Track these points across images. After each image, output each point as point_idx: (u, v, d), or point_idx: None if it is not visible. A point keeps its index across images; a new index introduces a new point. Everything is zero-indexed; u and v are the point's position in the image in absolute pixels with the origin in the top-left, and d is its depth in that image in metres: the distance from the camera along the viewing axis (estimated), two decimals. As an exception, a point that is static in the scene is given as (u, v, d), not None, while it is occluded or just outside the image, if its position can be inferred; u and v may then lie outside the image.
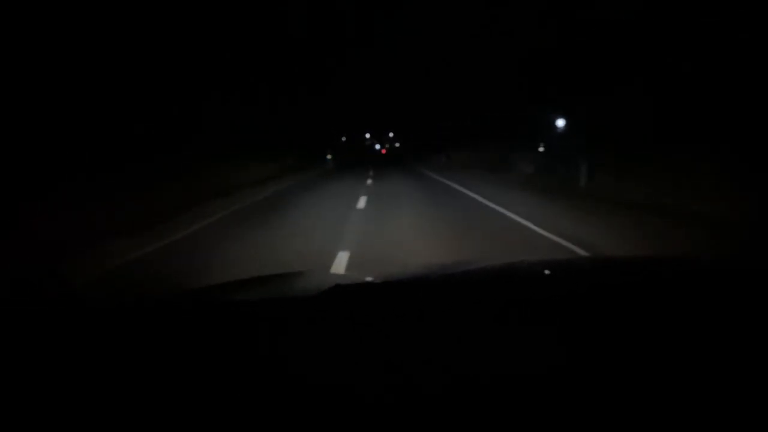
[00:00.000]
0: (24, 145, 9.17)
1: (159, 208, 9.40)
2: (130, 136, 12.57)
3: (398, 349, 0.76)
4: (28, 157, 8.94)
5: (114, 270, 5.47)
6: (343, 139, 68.36)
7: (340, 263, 5.29)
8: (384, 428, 0.59)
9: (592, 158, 13.51)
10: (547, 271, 1.40)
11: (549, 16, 18.54)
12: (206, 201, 11.50)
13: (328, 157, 33.57)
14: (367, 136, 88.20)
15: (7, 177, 7.92)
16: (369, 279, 1.54)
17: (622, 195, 10.63)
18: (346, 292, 1.08)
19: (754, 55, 9.80)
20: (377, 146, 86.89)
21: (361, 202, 11.09)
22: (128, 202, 9.08)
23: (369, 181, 18.19)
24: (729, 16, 10.49)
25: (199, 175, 13.99)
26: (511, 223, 7.91)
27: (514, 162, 19.22)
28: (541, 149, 18.09)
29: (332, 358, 0.74)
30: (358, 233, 7.22)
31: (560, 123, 16.22)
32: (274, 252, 6.00)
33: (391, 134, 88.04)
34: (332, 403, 0.63)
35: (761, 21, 9.75)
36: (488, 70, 24.95)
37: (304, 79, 36.55)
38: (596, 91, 14.62)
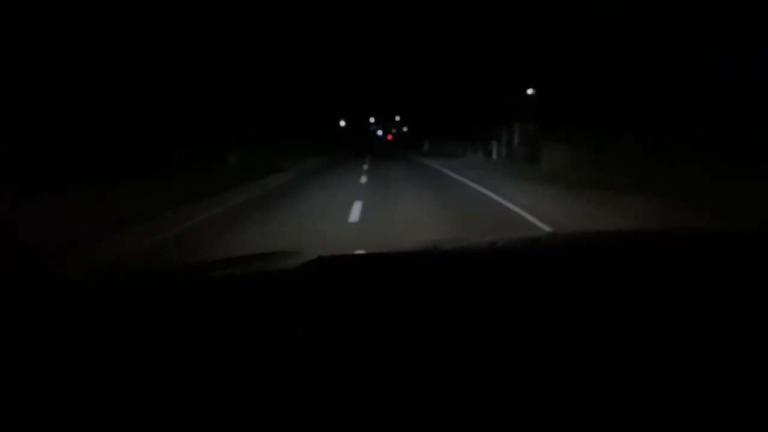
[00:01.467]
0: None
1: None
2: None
3: (381, 325, 0.75)
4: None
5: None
6: (342, 124, 64.02)
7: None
8: (371, 410, 0.57)
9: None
10: (541, 248, 1.41)
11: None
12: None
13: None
14: (372, 120, 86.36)
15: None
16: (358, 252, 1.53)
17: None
18: (327, 265, 1.08)
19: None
20: (380, 132, 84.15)
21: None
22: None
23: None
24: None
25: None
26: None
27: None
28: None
29: (314, 331, 0.73)
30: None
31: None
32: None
33: (397, 118, 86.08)
34: (315, 381, 0.62)
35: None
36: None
37: (295, 62, 34.94)
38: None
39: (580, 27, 17.96)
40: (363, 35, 60.72)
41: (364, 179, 15.55)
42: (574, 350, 0.65)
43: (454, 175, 15.91)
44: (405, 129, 76.70)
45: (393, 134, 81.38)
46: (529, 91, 20.54)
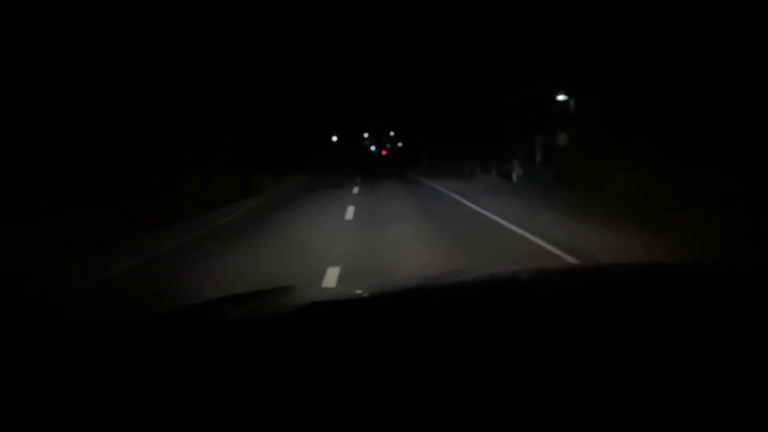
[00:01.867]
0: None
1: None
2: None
3: (375, 367, 0.76)
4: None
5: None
6: (334, 139, 60.37)
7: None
8: None
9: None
10: (535, 281, 1.40)
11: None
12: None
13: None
14: (365, 135, 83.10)
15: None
16: (357, 292, 1.50)
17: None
18: (321, 311, 1.09)
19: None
20: (373, 148, 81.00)
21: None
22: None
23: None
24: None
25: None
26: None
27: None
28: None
29: (310, 376, 0.74)
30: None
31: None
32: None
33: (392, 133, 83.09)
34: (309, 422, 0.63)
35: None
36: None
37: (284, 73, 31.88)
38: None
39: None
40: (357, 42, 57.09)
41: (350, 213, 11.11)
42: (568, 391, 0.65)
43: (476, 208, 11.27)
44: (399, 144, 73.21)
45: (387, 149, 78.27)
46: (561, 97, 16.29)
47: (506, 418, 0.61)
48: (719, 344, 0.75)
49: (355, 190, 17.78)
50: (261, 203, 14.78)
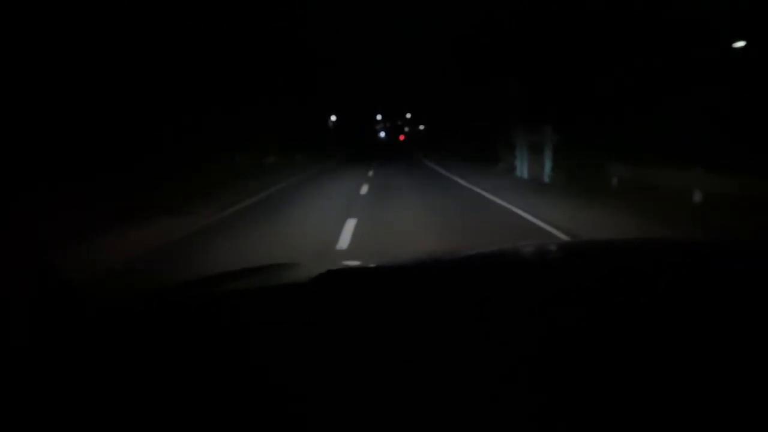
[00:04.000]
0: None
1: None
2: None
3: (393, 341, 0.76)
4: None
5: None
6: (332, 119, 49.86)
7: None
8: (379, 425, 0.60)
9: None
10: (551, 256, 1.42)
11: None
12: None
13: None
14: (378, 118, 77.64)
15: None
16: (369, 264, 1.51)
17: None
18: (337, 278, 1.08)
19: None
20: (383, 134, 74.04)
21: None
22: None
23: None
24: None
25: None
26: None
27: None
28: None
29: (324, 348, 0.74)
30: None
31: None
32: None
33: (408, 115, 78.99)
34: (324, 398, 0.63)
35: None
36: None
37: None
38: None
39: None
40: (367, 24, 54.18)
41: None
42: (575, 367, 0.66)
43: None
44: (421, 127, 67.66)
45: (406, 134, 73.51)
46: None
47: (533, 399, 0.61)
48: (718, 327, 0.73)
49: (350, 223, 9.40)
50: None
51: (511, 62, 19.24)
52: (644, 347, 0.69)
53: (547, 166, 14.18)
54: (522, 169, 16.43)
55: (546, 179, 14.17)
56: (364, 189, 13.76)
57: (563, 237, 6.85)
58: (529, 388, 0.63)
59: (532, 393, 0.62)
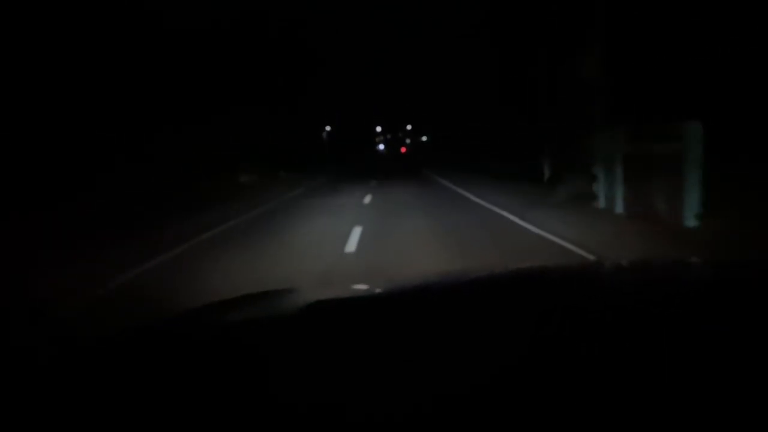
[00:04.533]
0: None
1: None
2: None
3: (381, 370, 0.75)
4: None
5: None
6: (327, 129, 44.81)
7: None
8: None
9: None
10: (551, 278, 1.36)
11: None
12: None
13: None
14: (378, 129, 72.18)
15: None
16: (361, 288, 1.55)
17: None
18: (323, 311, 1.08)
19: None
20: (381, 147, 68.52)
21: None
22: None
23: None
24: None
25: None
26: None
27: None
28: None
29: (311, 379, 0.74)
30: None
31: None
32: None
33: (408, 127, 73.53)
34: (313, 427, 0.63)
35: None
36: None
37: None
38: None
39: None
40: (364, 26, 48.61)
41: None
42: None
43: None
44: (424, 138, 61.63)
45: (407, 146, 67.72)
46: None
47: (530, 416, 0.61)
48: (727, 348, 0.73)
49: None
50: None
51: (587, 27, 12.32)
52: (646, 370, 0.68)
53: (693, 196, 7.48)
54: (613, 199, 9.84)
55: (691, 222, 7.50)
56: (354, 237, 7.91)
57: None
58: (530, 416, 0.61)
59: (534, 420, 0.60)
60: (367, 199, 14.32)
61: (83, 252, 7.11)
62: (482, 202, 12.18)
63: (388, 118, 68.80)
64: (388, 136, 75.30)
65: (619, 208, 9.64)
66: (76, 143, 12.87)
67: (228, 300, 1.27)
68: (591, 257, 6.00)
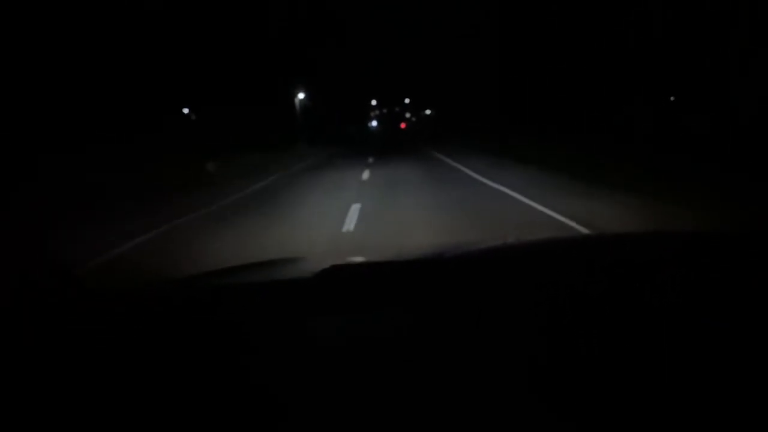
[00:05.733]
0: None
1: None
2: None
3: (395, 339, 0.75)
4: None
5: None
6: (300, 97, 31.56)
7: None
8: (380, 423, 0.59)
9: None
10: (557, 250, 1.35)
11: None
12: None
13: None
14: (374, 103, 62.91)
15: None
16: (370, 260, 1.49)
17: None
18: (343, 273, 1.07)
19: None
20: (374, 123, 59.10)
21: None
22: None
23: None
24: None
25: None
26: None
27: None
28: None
29: (326, 345, 0.74)
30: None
31: None
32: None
33: (407, 101, 64.81)
34: (324, 396, 0.62)
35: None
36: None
37: None
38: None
39: None
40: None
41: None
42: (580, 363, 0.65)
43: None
44: (428, 112, 52.55)
45: (407, 121, 58.64)
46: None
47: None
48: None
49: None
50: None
51: None
52: (648, 345, 0.68)
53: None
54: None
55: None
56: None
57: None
58: (532, 388, 0.62)
59: (535, 392, 0.61)
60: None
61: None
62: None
63: (384, 91, 59.86)
64: (385, 111, 65.95)
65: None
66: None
67: (241, 265, 1.29)
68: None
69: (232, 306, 0.92)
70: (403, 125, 56.59)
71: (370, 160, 17.91)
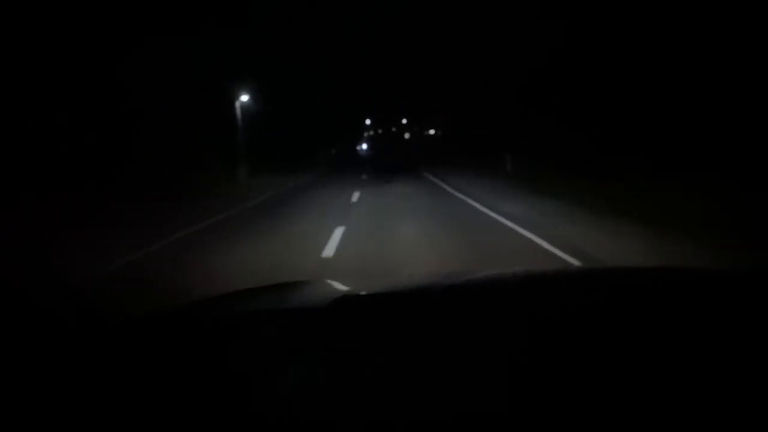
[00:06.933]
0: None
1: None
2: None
3: (414, 363, 0.76)
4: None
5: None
6: (241, 100, 21.30)
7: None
8: None
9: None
10: (554, 281, 1.36)
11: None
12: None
13: None
14: (368, 122, 56.82)
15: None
16: (373, 290, 1.47)
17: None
18: (354, 305, 1.08)
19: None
20: (364, 146, 52.85)
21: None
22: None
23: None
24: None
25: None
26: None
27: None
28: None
29: (344, 374, 0.74)
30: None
31: None
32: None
33: (404, 121, 58.97)
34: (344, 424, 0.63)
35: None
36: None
37: None
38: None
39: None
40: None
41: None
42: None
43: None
44: (432, 132, 45.88)
45: (405, 142, 51.82)
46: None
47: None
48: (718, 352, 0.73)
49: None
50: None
51: None
52: (637, 383, 0.68)
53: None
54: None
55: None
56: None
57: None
58: (529, 414, 0.62)
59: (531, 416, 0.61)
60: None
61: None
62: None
63: (381, 110, 53.17)
64: (379, 131, 59.18)
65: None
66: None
67: (248, 290, 1.28)
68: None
69: (245, 337, 0.88)
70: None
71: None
